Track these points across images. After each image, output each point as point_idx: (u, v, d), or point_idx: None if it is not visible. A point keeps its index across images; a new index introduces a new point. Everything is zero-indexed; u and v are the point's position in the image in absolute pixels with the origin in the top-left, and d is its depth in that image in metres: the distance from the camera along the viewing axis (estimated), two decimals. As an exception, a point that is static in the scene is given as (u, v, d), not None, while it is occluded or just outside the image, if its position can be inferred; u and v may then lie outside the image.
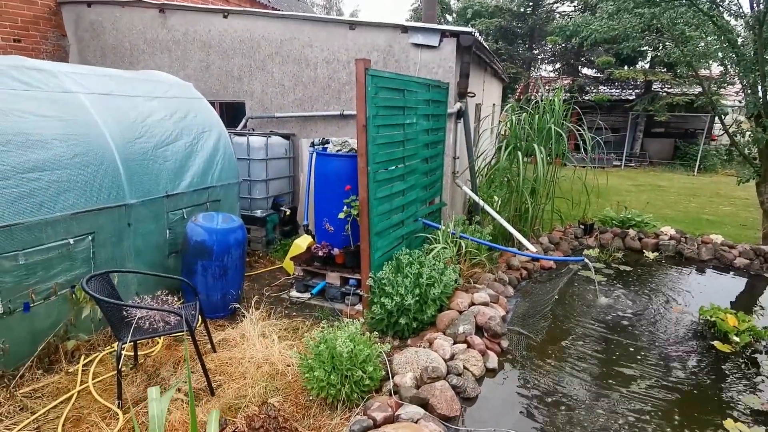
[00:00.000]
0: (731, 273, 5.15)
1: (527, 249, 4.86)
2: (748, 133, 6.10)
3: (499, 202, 6.01)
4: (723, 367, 3.22)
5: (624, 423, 2.61)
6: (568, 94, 6.05)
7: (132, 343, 3.10)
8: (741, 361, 3.29)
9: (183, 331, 2.79)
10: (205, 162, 4.37)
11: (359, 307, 4.17)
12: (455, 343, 3.20)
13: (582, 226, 6.11)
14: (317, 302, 4.32)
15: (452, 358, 3.01)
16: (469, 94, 5.93)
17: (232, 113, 6.58)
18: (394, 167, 4.17)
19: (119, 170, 3.49)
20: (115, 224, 3.46)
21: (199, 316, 3.19)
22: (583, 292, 4.49)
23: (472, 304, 3.70)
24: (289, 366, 3.19)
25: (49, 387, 2.92)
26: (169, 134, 4.04)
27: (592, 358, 3.31)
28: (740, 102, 13.33)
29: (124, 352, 2.73)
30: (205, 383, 2.92)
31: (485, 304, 3.70)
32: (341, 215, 4.18)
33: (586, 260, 4.28)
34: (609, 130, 15.17)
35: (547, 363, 3.22)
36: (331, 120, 6.05)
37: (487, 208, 5.42)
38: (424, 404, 2.54)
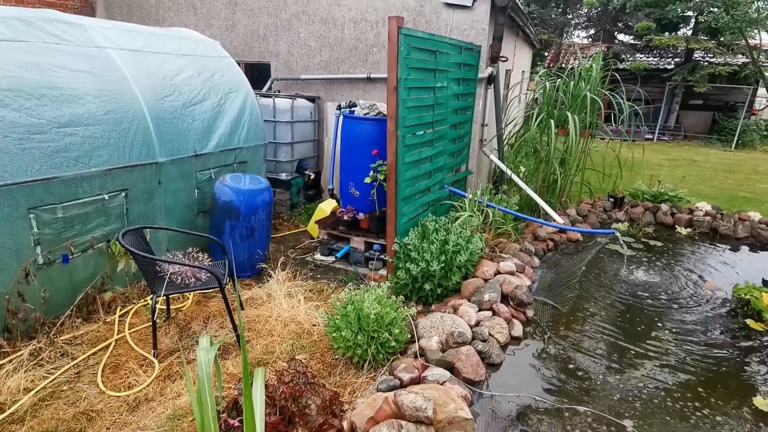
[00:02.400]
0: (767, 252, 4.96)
1: (554, 220, 4.76)
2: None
3: (525, 172, 5.86)
4: (755, 345, 3.14)
5: (648, 395, 2.59)
6: (603, 62, 5.72)
7: (165, 297, 3.20)
8: (775, 340, 3.20)
9: (214, 287, 2.85)
10: (233, 123, 4.35)
11: (383, 272, 4.18)
12: (480, 310, 3.20)
13: (611, 200, 5.94)
14: (341, 266, 4.36)
15: (477, 324, 3.01)
16: (502, 59, 5.70)
17: (256, 74, 6.49)
18: (423, 132, 4.07)
19: (150, 128, 3.50)
20: (147, 182, 3.50)
21: (228, 275, 3.26)
22: (610, 265, 4.40)
23: (498, 272, 3.67)
24: (314, 326, 3.26)
25: (88, 335, 3.05)
26: (197, 93, 4.02)
27: (617, 331, 3.27)
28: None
29: (157, 306, 2.82)
30: (235, 338, 3.01)
31: (511, 273, 3.67)
32: (367, 180, 4.13)
33: (617, 233, 4.17)
34: (649, 101, 14.51)
35: (572, 334, 3.20)
36: (357, 83, 5.92)
37: (515, 177, 5.30)
38: (450, 368, 2.57)
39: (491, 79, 5.57)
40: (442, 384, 2.36)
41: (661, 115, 15.95)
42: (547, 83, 5.58)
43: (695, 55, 15.53)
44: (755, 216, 5.42)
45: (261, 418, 1.27)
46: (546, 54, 18.39)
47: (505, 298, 3.38)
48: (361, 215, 4.35)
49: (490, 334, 2.92)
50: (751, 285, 3.72)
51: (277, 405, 2.17)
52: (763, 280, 4.20)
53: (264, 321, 3.31)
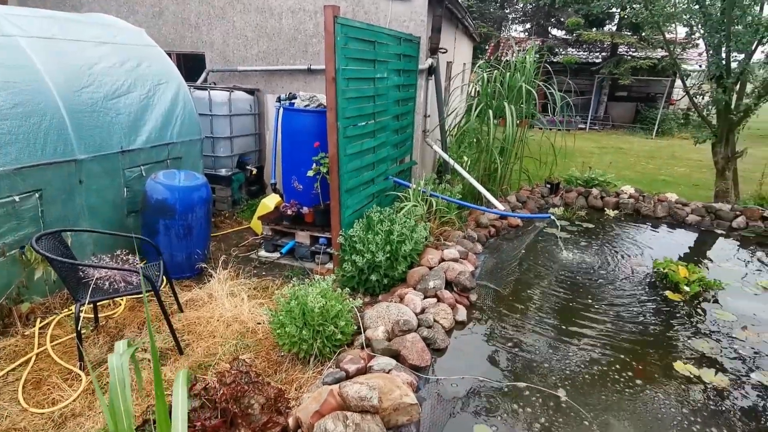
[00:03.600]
0: (684, 229, 5.44)
1: (496, 207, 4.93)
2: (707, 94, 6.29)
3: (469, 162, 6.03)
4: (674, 314, 3.44)
5: (583, 367, 2.76)
6: (538, 55, 5.98)
7: (92, 305, 2.97)
8: (690, 309, 3.52)
9: (148, 291, 2.69)
10: (164, 116, 4.10)
11: (330, 265, 4.15)
12: (426, 297, 3.25)
13: (548, 186, 6.24)
14: (287, 261, 4.27)
15: (423, 311, 3.06)
16: (441, 50, 5.79)
17: (190, 65, 6.17)
18: (364, 123, 4.06)
19: (65, 122, 3.22)
20: (65, 181, 3.23)
21: (164, 276, 3.09)
22: (548, 248, 4.64)
23: (442, 260, 3.75)
24: (259, 324, 3.17)
25: (5, 350, 2.78)
26: (120, 84, 3.74)
27: (555, 308, 3.46)
28: (700, 66, 13.71)
29: (83, 314, 2.61)
30: (173, 343, 2.86)
31: (455, 260, 3.76)
32: (310, 173, 4.06)
33: (553, 217, 4.40)
34: (577, 93, 15.37)
35: (513, 314, 3.34)
36: (297, 75, 5.78)
37: (457, 167, 5.42)
38: (396, 356, 2.59)
39: (432, 71, 5.65)
40: (388, 372, 2.37)
41: (592, 106, 16.99)
42: (485, 75, 5.74)
43: (620, 50, 16.65)
44: (672, 197, 5.91)
45: (183, 428, 1.20)
46: (486, 47, 18.94)
47: (449, 285, 3.46)
48: (305, 209, 4.28)
49: (435, 321, 2.97)
50: (668, 260, 4.06)
51: (218, 408, 2.09)
52: (680, 256, 4.60)
53: (205, 322, 3.17)
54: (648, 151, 11.64)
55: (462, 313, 3.22)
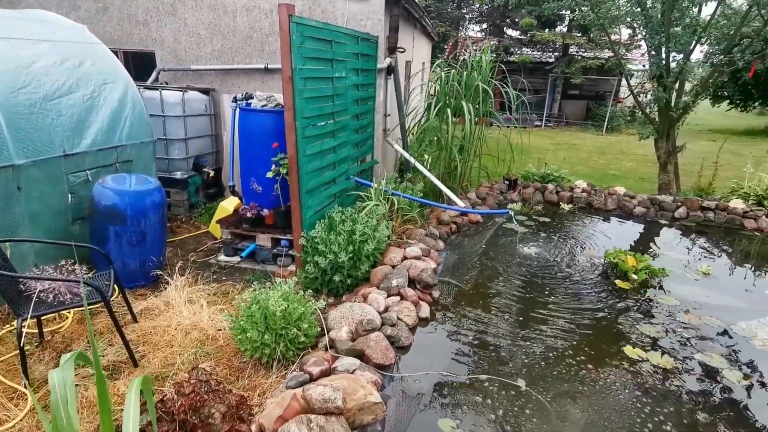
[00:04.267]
0: (632, 220, 5.75)
1: (456, 204, 5.02)
2: (649, 93, 6.67)
3: (429, 160, 6.10)
4: (624, 302, 3.63)
5: (541, 356, 2.87)
6: (494, 55, 6.14)
7: (36, 319, 2.79)
8: (638, 296, 3.73)
9: (97, 302, 2.55)
10: (111, 118, 3.91)
11: (292, 267, 4.09)
12: (389, 296, 3.27)
13: (507, 182, 6.43)
14: (248, 265, 4.17)
15: (386, 310, 3.08)
16: (399, 50, 5.82)
17: (139, 64, 5.91)
18: (323, 123, 4.02)
19: (1, 125, 3.00)
20: (1, 187, 3.01)
21: (115, 286, 2.95)
22: (507, 242, 4.78)
23: (405, 258, 3.78)
24: (220, 330, 3.09)
25: (-65, 374, 2.56)
26: (62, 84, 3.53)
27: (514, 300, 3.57)
28: (644, 66, 14.51)
29: (26, 329, 2.45)
30: (127, 355, 2.73)
31: (417, 257, 3.80)
32: (269, 174, 3.99)
33: (511, 213, 4.53)
34: (532, 91, 15.88)
35: (474, 308, 3.42)
36: (254, 74, 5.66)
37: (418, 165, 5.48)
38: (360, 355, 2.60)
39: (390, 70, 5.67)
40: (352, 372, 2.38)
41: (546, 104, 17.62)
42: (443, 74, 5.83)
43: (570, 50, 17.35)
44: (621, 190, 6.23)
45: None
46: (445, 47, 19.23)
47: (412, 282, 3.50)
48: (265, 211, 4.20)
49: (398, 318, 3.00)
50: (618, 250, 4.28)
51: (176, 420, 2.02)
52: (631, 245, 4.86)
53: (162, 332, 3.05)
54: (599, 147, 12.21)
55: (425, 310, 3.26)
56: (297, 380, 2.27)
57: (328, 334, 2.78)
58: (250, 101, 4.37)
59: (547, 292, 3.72)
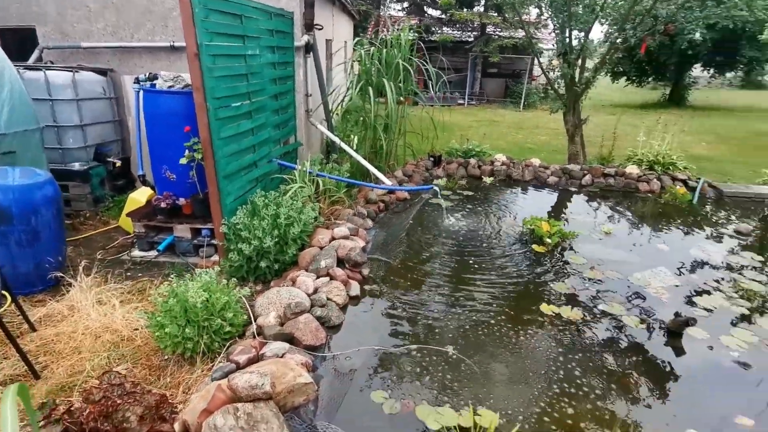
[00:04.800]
0: (546, 189, 6.17)
1: (383, 183, 5.06)
2: (557, 69, 7.12)
3: (356, 141, 6.06)
4: (539, 264, 3.90)
5: (468, 322, 3.01)
6: (416, 34, 6.17)
7: None
8: (552, 257, 4.03)
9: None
10: (-16, 103, 3.40)
11: (217, 257, 3.90)
12: (318, 277, 3.24)
13: (431, 159, 6.58)
14: (167, 259, 3.91)
15: (315, 291, 3.05)
16: (317, 27, 5.65)
17: (18, 42, 5.18)
18: (239, 104, 3.81)
19: None
20: None
21: (5, 293, 2.62)
22: (434, 217, 4.92)
23: (333, 239, 3.75)
24: (136, 330, 2.88)
25: None
26: None
27: (442, 271, 3.70)
28: (553, 45, 15.44)
29: None
30: (26, 368, 2.45)
31: (345, 237, 3.79)
32: (183, 160, 3.73)
33: (436, 188, 4.65)
34: (454, 70, 16.29)
35: (404, 282, 3.49)
36: (159, 53, 5.21)
37: (343, 145, 5.42)
38: (290, 339, 2.55)
39: (309, 48, 5.50)
40: (282, 356, 2.33)
41: (468, 82, 18.21)
42: (362, 51, 5.77)
43: (488, 29, 17.97)
44: (536, 162, 6.65)
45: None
46: (367, 26, 19.03)
47: (341, 262, 3.49)
48: (182, 200, 3.93)
49: (328, 299, 2.98)
50: (534, 217, 4.57)
51: (86, 429, 1.86)
52: (548, 212, 5.22)
53: (67, 338, 2.78)
54: (517, 123, 12.90)
55: (355, 288, 3.27)
56: (223, 371, 2.18)
57: (255, 321, 2.70)
58: (154, 82, 4.02)
59: (472, 262, 3.89)
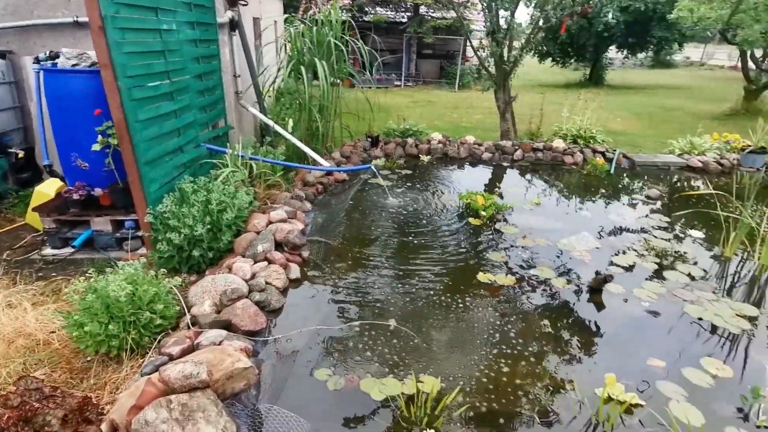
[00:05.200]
0: (481, 165, 6.39)
1: (320, 164, 4.97)
2: (487, 48, 7.31)
3: (291, 123, 5.88)
4: (476, 236, 4.05)
5: (409, 295, 3.07)
6: (349, 13, 6.04)
7: None
8: (487, 229, 4.19)
9: None
10: None
11: (145, 250, 3.65)
12: (256, 262, 3.14)
13: (369, 139, 6.56)
14: (86, 255, 3.59)
15: (253, 277, 2.96)
16: (241, 2, 5.37)
17: None
18: (157, 83, 3.54)
19: None
20: None
21: None
22: (373, 196, 4.93)
23: (270, 222, 3.65)
24: (53, 333, 2.63)
25: None
26: None
27: (382, 248, 3.73)
28: (483, 26, 15.85)
29: None
30: None
31: (283, 221, 3.70)
32: (96, 147, 3.41)
33: (373, 167, 4.65)
34: (390, 51, 16.26)
35: (345, 262, 3.48)
36: (63, 30, 4.69)
37: (278, 128, 5.25)
38: (227, 326, 2.46)
39: (234, 25, 5.22)
40: (219, 344, 2.24)
41: (404, 63, 18.24)
42: (292, 30, 5.57)
43: (421, 10, 18.03)
44: (471, 139, 6.84)
45: None
46: (298, 5, 18.39)
47: (279, 246, 3.40)
48: (98, 190, 3.62)
49: (267, 283, 2.90)
50: (470, 192, 4.73)
51: (-2, 439, 1.69)
52: (484, 187, 5.41)
53: (-29, 348, 2.48)
54: (453, 103, 13.17)
55: (295, 271, 3.21)
56: (154, 365, 2.06)
57: (189, 311, 2.57)
58: (56, 61, 3.62)
59: (411, 238, 3.96)
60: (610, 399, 2.21)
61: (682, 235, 4.19)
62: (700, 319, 2.92)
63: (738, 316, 2.95)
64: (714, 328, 2.84)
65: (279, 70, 6.00)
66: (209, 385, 1.90)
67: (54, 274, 3.31)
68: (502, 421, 2.11)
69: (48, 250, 3.57)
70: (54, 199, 3.73)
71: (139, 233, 3.58)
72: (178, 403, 1.74)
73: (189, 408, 1.74)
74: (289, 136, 5.17)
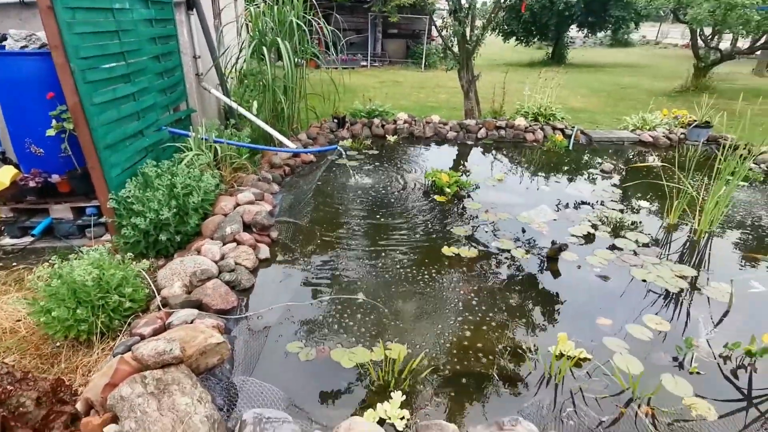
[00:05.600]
0: (446, 144, 6.52)
1: (286, 146, 4.97)
2: (450, 27, 7.37)
3: (256, 105, 5.81)
4: (441, 212, 4.19)
5: (376, 270, 3.19)
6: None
7: None
8: (451, 206, 4.34)
9: None
10: None
11: (109, 237, 3.60)
12: (224, 244, 3.17)
13: (335, 120, 6.56)
14: (47, 244, 3.51)
15: (223, 258, 2.99)
16: (197, -20, 5.19)
17: None
18: (112, 65, 3.44)
19: None
20: None
21: None
22: (341, 177, 4.98)
23: (238, 204, 3.66)
24: (19, 321, 2.61)
25: None
26: None
27: (351, 227, 3.82)
28: (447, 6, 15.82)
29: None
30: None
31: (251, 202, 3.71)
32: (51, 132, 3.31)
33: (340, 148, 4.69)
34: (356, 31, 16.04)
35: (314, 241, 3.56)
36: (8, 10, 4.41)
37: (242, 110, 5.18)
38: (198, 305, 2.51)
39: (191, 4, 5.06)
40: (191, 323, 2.29)
41: (370, 43, 18.05)
42: (252, 9, 5.45)
43: (385, -12, 17.79)
44: (436, 118, 6.95)
45: None
46: (258, -17, 17.75)
47: (248, 227, 3.43)
48: (56, 177, 3.52)
49: (237, 263, 2.95)
50: (435, 170, 4.85)
51: (-28, 422, 1.71)
52: (450, 165, 5.54)
53: (-70, 341, 2.44)
54: (419, 82, 13.20)
55: (265, 251, 3.27)
56: (126, 345, 2.09)
57: (159, 293, 2.60)
58: (3, 43, 3.45)
59: (379, 216, 4.06)
60: (561, 355, 2.41)
61: (632, 206, 4.48)
62: (645, 281, 3.18)
63: (678, 277, 3.23)
64: (657, 289, 3.10)
65: (241, 51, 5.88)
66: (183, 361, 1.96)
67: (15, 264, 3.23)
68: (464, 381, 2.27)
69: (6, 240, 3.47)
70: (9, 188, 3.59)
71: (102, 219, 3.53)
72: (153, 378, 1.80)
73: (163, 382, 1.80)
74: (253, 118, 5.12)
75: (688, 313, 2.87)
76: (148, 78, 3.99)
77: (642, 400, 2.17)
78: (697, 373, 2.37)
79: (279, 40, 5.28)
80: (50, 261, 2.49)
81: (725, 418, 2.10)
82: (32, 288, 2.54)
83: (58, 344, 2.41)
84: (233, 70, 6.06)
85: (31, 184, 3.40)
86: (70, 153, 3.44)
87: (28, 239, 3.51)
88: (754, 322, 2.76)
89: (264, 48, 5.34)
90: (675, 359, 2.47)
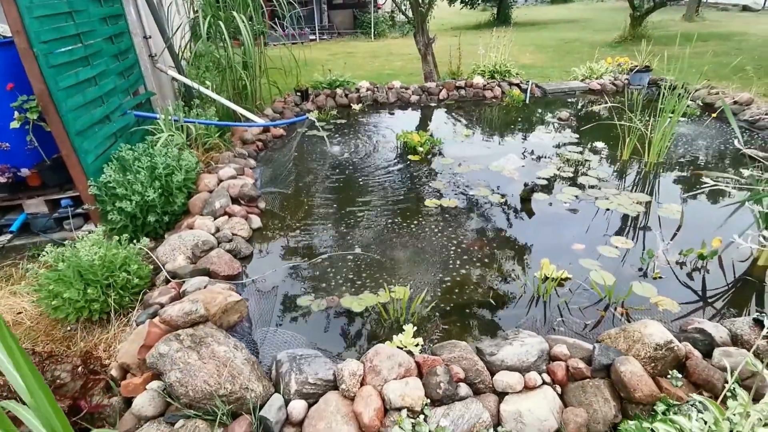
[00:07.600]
0: (410, 108, 6.66)
1: (255, 122, 4.95)
2: (401, -8, 7.39)
3: (213, 86, 5.68)
4: (417, 169, 4.38)
5: (368, 225, 3.35)
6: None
7: None
8: (426, 163, 4.53)
9: None
10: None
11: (91, 226, 3.54)
12: (216, 218, 3.23)
13: (299, 93, 6.53)
14: (26, 240, 3.42)
15: (218, 230, 3.06)
16: (138, -46, 4.95)
17: None
18: (71, 47, 3.32)
19: None
20: None
21: None
22: (315, 146, 5.05)
23: (221, 181, 3.69)
24: (20, 313, 2.60)
25: None
26: None
27: (335, 191, 3.94)
28: (392, -30, 15.56)
29: None
30: None
31: (233, 177, 3.75)
32: (14, 124, 3.19)
33: (309, 117, 4.73)
34: (301, 3, 15.54)
35: (302, 207, 3.66)
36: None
37: (203, 89, 5.08)
38: (206, 273, 2.59)
39: (135, -20, 4.83)
40: (204, 287, 2.39)
41: (316, 16, 17.60)
42: (201, -19, 5.27)
43: (326, -44, 17.25)
44: (397, 84, 7.05)
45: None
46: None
47: (235, 201, 3.49)
48: (25, 171, 3.41)
49: (233, 234, 3.03)
50: (405, 132, 5.01)
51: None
52: (416, 128, 5.69)
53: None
54: (371, 52, 13.12)
55: (256, 221, 3.35)
56: (147, 313, 2.18)
57: (164, 267, 2.65)
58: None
59: (359, 177, 4.20)
60: (546, 278, 2.70)
61: (589, 147, 4.84)
62: (608, 209, 3.53)
63: (635, 203, 3.60)
64: (618, 215, 3.46)
65: (194, 28, 5.69)
66: (208, 319, 2.08)
67: (-3, 262, 3.15)
68: (467, 311, 2.51)
69: (-18, 240, 3.35)
70: (-24, 186, 3.44)
71: (83, 209, 3.47)
72: (187, 335, 1.91)
73: (198, 336, 1.91)
74: (216, 96, 5.04)
75: (647, 231, 3.24)
76: (105, 61, 3.85)
77: (617, 303, 2.50)
78: (660, 277, 2.73)
79: (235, 13, 5.16)
80: (45, 253, 2.48)
81: (684, 306, 2.47)
82: (30, 278, 2.53)
83: (69, 328, 2.44)
84: (187, 48, 5.87)
85: (1, 180, 3.28)
86: (36, 144, 3.34)
87: (6, 237, 3.40)
88: (703, 234, 3.16)
89: (221, 23, 5.20)
90: (640, 269, 2.82)
